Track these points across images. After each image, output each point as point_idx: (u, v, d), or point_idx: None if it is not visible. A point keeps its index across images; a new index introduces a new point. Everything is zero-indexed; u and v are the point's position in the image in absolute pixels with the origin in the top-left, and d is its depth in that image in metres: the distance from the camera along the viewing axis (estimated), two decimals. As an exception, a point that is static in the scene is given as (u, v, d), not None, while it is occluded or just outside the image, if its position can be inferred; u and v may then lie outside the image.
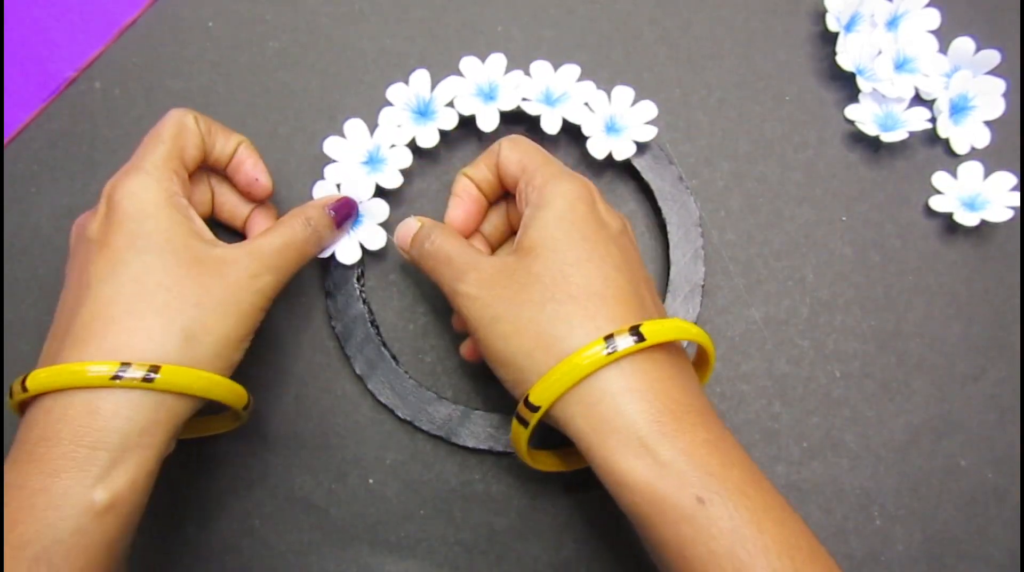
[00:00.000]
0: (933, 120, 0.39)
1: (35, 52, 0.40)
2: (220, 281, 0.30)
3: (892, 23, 0.40)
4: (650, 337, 0.28)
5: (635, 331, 0.28)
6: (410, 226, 0.34)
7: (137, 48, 0.40)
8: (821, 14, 0.40)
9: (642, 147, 0.38)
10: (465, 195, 0.35)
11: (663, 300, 0.37)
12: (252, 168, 0.36)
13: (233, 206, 0.37)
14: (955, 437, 0.37)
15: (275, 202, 0.39)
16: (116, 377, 0.27)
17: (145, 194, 0.31)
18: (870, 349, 0.38)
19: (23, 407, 0.29)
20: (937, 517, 0.37)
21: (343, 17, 0.41)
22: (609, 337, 0.28)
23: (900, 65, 0.39)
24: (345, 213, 0.36)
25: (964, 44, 0.39)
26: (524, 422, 0.29)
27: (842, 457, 0.37)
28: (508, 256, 0.31)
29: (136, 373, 0.27)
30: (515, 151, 0.33)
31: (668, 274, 0.37)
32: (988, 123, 0.39)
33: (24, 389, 0.28)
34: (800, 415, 0.37)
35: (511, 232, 0.37)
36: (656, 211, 0.38)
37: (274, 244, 0.32)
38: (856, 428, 0.37)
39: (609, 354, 0.27)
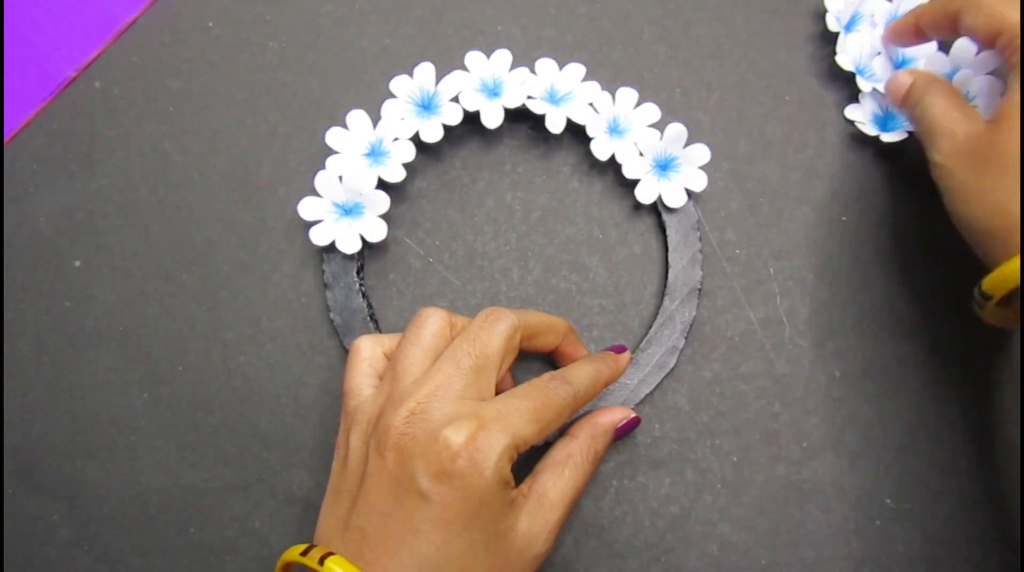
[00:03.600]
0: None
1: (35, 52, 0.40)
2: (507, 559, 0.29)
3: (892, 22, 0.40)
4: None
5: None
6: (901, 82, 0.36)
7: (137, 48, 0.40)
8: (821, 14, 0.40)
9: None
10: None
11: (659, 301, 0.37)
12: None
13: None
14: (955, 437, 0.37)
15: (272, 202, 0.39)
16: None
17: (494, 470, 0.28)
18: (870, 349, 0.38)
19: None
20: (937, 517, 0.37)
21: (343, 17, 0.41)
22: None
23: (900, 65, 0.39)
24: (625, 431, 0.35)
25: (965, 45, 0.39)
26: (979, 305, 0.32)
27: (842, 457, 0.37)
28: (984, 123, 0.32)
29: None
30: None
31: (666, 277, 0.38)
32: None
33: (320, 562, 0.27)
34: (800, 415, 0.37)
35: None
36: (656, 214, 0.38)
37: (565, 501, 0.31)
38: (856, 428, 0.37)
39: None
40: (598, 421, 0.34)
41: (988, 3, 0.33)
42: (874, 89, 0.39)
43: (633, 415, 0.35)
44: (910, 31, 0.37)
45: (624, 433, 0.35)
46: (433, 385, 0.29)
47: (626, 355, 0.35)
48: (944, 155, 0.32)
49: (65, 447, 0.37)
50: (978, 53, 0.39)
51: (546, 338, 0.33)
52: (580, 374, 0.32)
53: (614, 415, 0.35)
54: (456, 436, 0.27)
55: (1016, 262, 0.29)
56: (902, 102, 0.36)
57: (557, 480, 0.31)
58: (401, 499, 0.28)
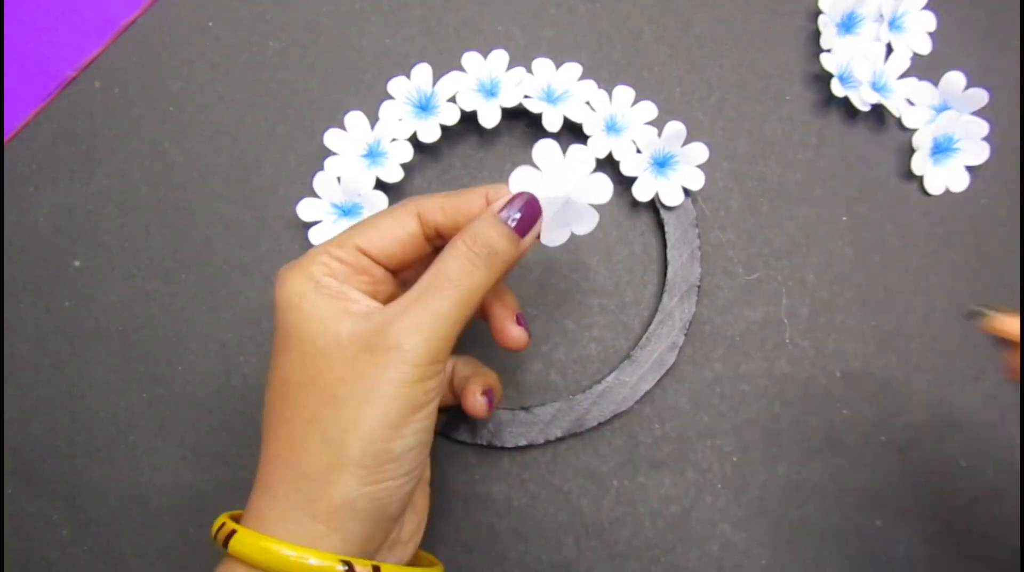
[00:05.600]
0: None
1: (35, 52, 0.40)
2: (358, 367, 0.26)
3: (893, 22, 0.40)
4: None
5: None
6: None
7: (137, 48, 0.40)
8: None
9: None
10: None
11: (659, 300, 0.37)
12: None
13: None
14: (955, 437, 0.37)
15: (272, 202, 0.39)
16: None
17: (291, 283, 0.27)
18: (870, 349, 0.38)
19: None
20: (937, 517, 0.37)
21: (343, 17, 0.41)
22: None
23: (878, 88, 0.39)
24: (529, 220, 0.29)
25: (955, 79, 0.39)
26: None
27: (842, 457, 0.37)
28: None
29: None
30: None
31: (665, 274, 0.38)
32: (969, 168, 0.39)
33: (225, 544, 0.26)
34: (800, 415, 0.37)
35: None
36: (655, 210, 0.38)
37: (431, 310, 0.26)
38: (856, 428, 0.37)
39: None
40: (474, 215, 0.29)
41: None
42: (846, 97, 0.39)
43: (517, 193, 0.29)
44: None
45: (525, 220, 0.28)
46: None
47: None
48: None
49: (65, 447, 0.37)
50: (967, 87, 0.39)
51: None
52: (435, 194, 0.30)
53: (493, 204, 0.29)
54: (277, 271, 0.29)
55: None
56: None
57: (417, 285, 0.27)
58: None
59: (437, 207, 0.29)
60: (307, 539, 0.25)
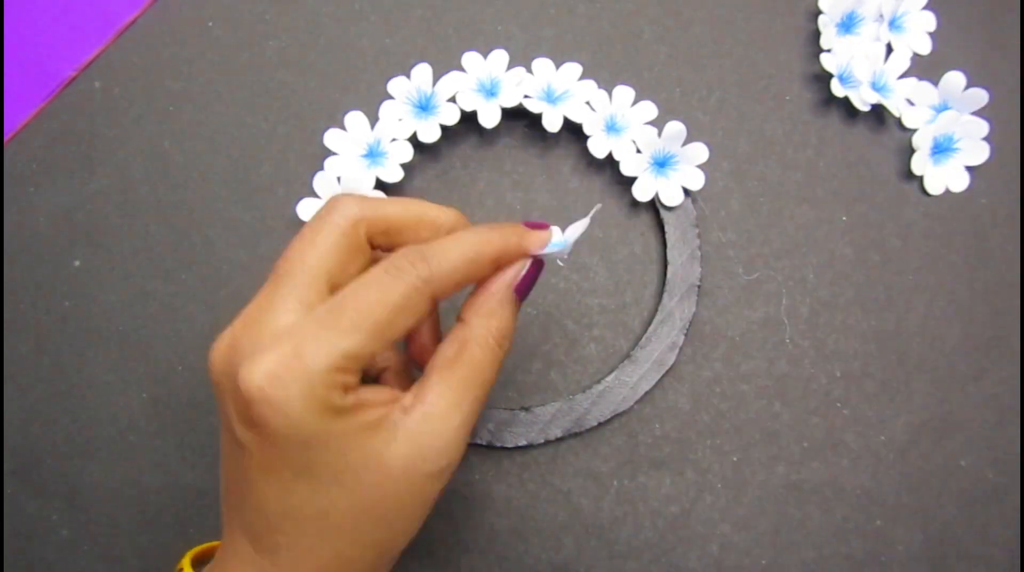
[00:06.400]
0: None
1: (35, 52, 0.40)
2: (383, 489, 0.24)
3: (893, 22, 0.40)
4: None
5: None
6: None
7: (137, 48, 0.40)
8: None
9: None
10: None
11: (659, 300, 0.37)
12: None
13: None
14: (955, 437, 0.37)
15: (272, 202, 0.39)
16: None
17: (292, 408, 0.22)
18: (870, 349, 0.38)
19: None
20: (937, 517, 0.37)
21: (343, 16, 0.41)
22: None
23: (878, 88, 0.39)
24: (528, 285, 0.27)
25: (955, 79, 0.39)
26: None
27: (842, 457, 0.37)
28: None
29: None
30: None
31: (665, 274, 0.38)
32: (969, 168, 0.39)
33: None
34: (800, 415, 0.37)
35: None
36: (655, 210, 0.38)
37: (461, 406, 0.25)
38: (856, 428, 0.37)
39: None
40: (489, 290, 0.26)
41: None
42: (846, 97, 0.39)
43: (529, 261, 0.27)
44: None
45: (528, 287, 0.27)
46: (250, 306, 0.24)
47: (544, 233, 0.27)
48: None
49: (65, 447, 0.37)
50: (967, 87, 0.39)
51: (418, 234, 0.26)
52: (446, 247, 0.25)
53: (505, 275, 0.26)
54: (251, 378, 0.22)
55: None
56: None
57: (447, 384, 0.25)
58: (231, 443, 0.24)
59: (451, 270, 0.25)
60: None
